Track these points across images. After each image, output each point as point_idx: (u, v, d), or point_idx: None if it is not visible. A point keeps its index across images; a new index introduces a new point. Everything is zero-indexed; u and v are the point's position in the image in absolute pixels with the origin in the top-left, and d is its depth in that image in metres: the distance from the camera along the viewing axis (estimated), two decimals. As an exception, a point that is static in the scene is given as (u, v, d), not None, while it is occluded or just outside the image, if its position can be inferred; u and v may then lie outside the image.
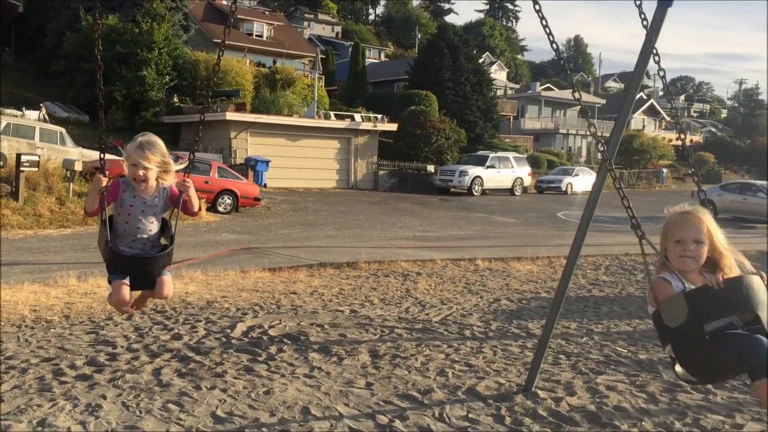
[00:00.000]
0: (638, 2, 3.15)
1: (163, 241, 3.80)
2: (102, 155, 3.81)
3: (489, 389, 4.86)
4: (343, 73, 47.79)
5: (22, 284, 8.01)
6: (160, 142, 3.66)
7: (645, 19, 3.20)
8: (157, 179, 3.68)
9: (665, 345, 2.88)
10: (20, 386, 4.57)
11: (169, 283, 3.75)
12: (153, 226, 3.72)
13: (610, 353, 5.89)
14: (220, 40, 4.06)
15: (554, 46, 3.54)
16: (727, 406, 4.63)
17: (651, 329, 6.89)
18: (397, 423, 4.18)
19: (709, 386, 5.01)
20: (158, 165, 3.63)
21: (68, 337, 5.88)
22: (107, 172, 3.63)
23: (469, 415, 4.36)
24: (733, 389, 4.99)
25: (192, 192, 3.74)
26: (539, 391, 4.78)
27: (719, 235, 2.82)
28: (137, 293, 3.90)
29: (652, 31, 3.54)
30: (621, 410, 4.51)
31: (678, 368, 2.95)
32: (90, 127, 27.49)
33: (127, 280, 3.62)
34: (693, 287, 2.71)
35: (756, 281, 2.69)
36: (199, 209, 3.84)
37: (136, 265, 3.65)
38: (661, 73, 3.38)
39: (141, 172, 3.59)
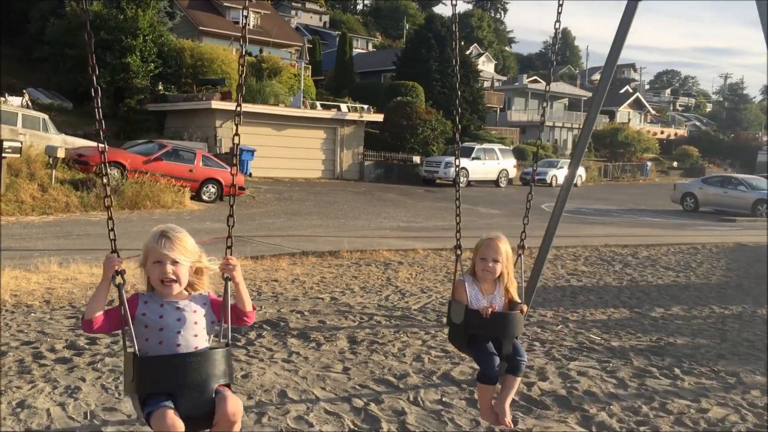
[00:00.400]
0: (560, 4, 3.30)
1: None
2: (105, 181, 2.86)
3: (463, 374, 4.96)
4: (330, 63, 47.67)
5: (3, 270, 8.00)
6: (184, 231, 2.73)
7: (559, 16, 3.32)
8: (186, 288, 2.72)
9: (447, 323, 3.82)
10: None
11: (234, 398, 2.58)
12: (197, 341, 2.63)
13: (584, 340, 6.01)
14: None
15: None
16: (693, 392, 4.76)
17: (624, 318, 7.04)
18: (372, 406, 4.27)
19: (677, 372, 5.16)
20: (190, 258, 2.68)
21: (48, 321, 5.92)
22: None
23: (443, 399, 4.46)
24: (700, 375, 5.13)
25: (240, 277, 2.71)
26: (512, 377, 4.88)
27: (510, 261, 3.71)
28: None
29: (623, 26, 3.63)
30: (590, 395, 4.63)
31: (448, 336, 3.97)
32: (73, 114, 27.36)
33: (171, 404, 2.49)
34: (480, 295, 3.65)
35: (516, 317, 3.63)
36: (253, 309, 2.77)
37: (180, 372, 2.54)
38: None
39: (169, 269, 2.61)
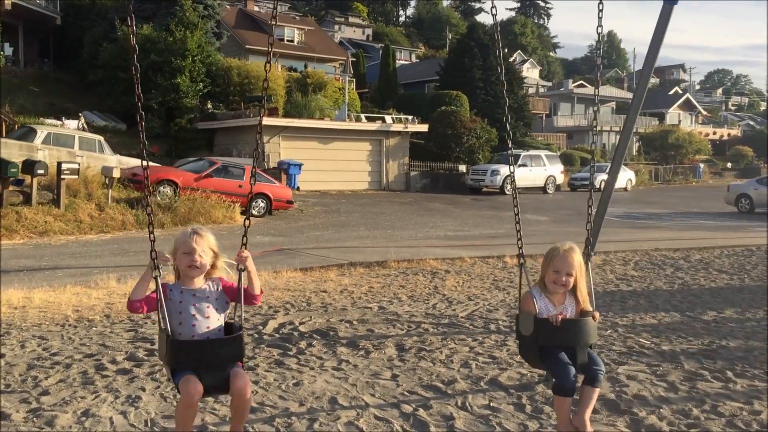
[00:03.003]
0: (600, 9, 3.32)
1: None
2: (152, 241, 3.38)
3: (511, 380, 4.99)
4: (374, 76, 48.07)
5: (65, 287, 8.36)
6: (209, 231, 3.44)
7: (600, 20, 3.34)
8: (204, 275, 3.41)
9: (517, 338, 3.80)
10: (65, 380, 4.85)
11: (246, 377, 3.27)
12: (210, 322, 3.31)
13: (633, 345, 5.97)
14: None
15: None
16: (746, 394, 4.70)
17: (675, 321, 6.97)
18: (421, 411, 4.34)
19: (729, 374, 5.10)
20: (212, 250, 3.37)
21: (109, 334, 6.17)
22: (158, 260, 3.30)
23: (491, 404, 4.50)
24: (753, 377, 5.06)
25: (251, 266, 3.36)
26: (560, 381, 4.89)
27: (583, 273, 3.65)
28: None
29: (659, 29, 3.66)
30: (640, 398, 4.61)
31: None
32: (127, 135, 28.17)
33: (197, 379, 3.15)
34: (551, 306, 3.58)
35: (588, 323, 3.55)
36: (261, 292, 3.46)
37: (202, 352, 3.19)
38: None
39: (197, 258, 3.29)
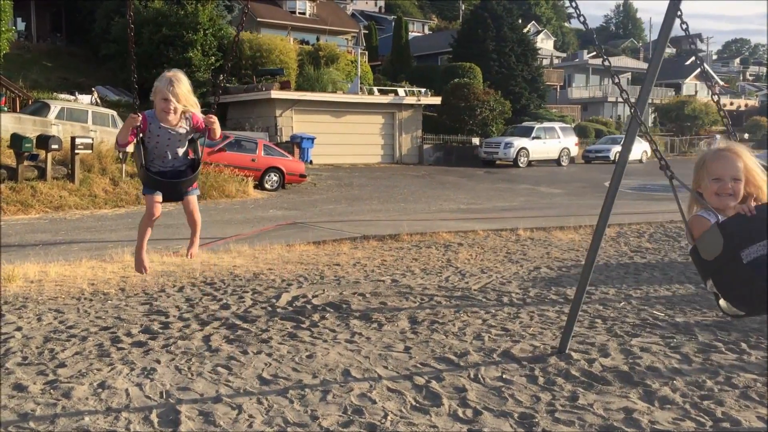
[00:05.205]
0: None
1: (191, 155, 4.19)
2: (135, 100, 4.12)
3: (524, 352, 5.00)
4: (386, 48, 47.68)
5: (80, 261, 8.42)
6: (185, 79, 3.94)
7: None
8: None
9: (706, 281, 2.82)
10: (81, 352, 4.90)
11: (195, 203, 4.17)
12: (179, 152, 4.06)
13: (647, 317, 5.95)
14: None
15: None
16: (760, 365, 4.68)
17: (690, 294, 6.94)
18: (434, 383, 4.36)
19: (744, 346, 5.07)
20: (184, 99, 3.90)
21: (124, 307, 6.22)
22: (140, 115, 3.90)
23: (504, 376, 4.51)
24: (768, 350, 5.03)
25: (216, 125, 4.06)
26: (573, 353, 4.90)
27: (757, 171, 2.76)
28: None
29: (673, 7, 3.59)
30: (653, 370, 4.60)
31: (722, 303, 2.85)
32: (140, 110, 28.19)
33: (159, 196, 4.02)
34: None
35: None
36: (221, 136, 4.35)
37: (168, 185, 4.05)
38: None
39: (171, 106, 3.87)
